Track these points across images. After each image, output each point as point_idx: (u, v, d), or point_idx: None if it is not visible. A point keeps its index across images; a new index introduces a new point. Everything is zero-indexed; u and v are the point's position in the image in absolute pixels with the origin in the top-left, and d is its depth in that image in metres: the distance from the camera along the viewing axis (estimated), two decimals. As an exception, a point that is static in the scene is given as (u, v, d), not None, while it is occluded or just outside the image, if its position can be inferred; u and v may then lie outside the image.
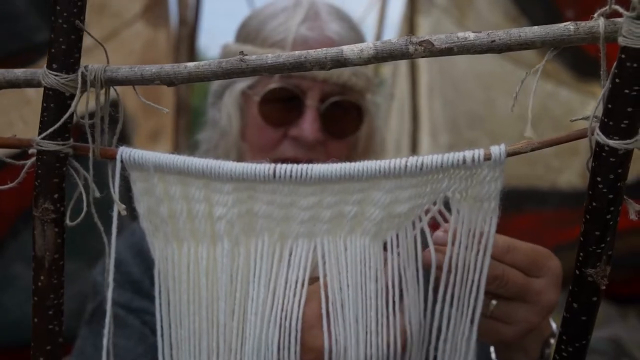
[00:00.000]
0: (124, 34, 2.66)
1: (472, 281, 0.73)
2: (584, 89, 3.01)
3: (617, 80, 0.56)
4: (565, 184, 3.19)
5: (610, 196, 0.61)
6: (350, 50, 0.63)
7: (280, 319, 0.71)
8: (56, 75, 0.67)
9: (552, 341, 0.90)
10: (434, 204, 0.72)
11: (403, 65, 3.38)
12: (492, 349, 0.94)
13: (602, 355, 2.97)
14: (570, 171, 3.15)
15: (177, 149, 3.01)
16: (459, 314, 0.74)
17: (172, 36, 3.00)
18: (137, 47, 2.74)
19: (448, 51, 0.61)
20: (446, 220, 0.73)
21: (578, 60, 2.84)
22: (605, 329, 3.09)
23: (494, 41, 0.60)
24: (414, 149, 3.38)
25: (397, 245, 0.72)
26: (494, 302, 0.80)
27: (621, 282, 2.95)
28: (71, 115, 0.68)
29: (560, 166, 3.15)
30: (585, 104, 3.03)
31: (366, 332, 0.71)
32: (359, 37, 1.27)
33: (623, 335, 3.13)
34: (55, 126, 0.66)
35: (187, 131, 3.11)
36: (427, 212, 0.72)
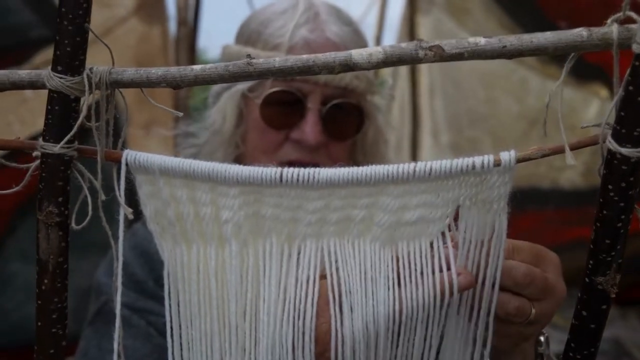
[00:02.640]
0: (118, 29, 2.65)
1: (489, 282, 0.72)
2: (586, 89, 3.01)
3: (630, 88, 0.56)
4: (567, 183, 3.19)
5: (622, 204, 0.60)
6: (359, 54, 0.63)
7: (294, 318, 0.71)
8: (61, 78, 0.66)
9: (542, 338, 0.90)
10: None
11: (404, 64, 3.37)
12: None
13: (602, 355, 2.97)
14: (572, 170, 3.15)
15: (176, 147, 3.01)
16: (470, 316, 0.74)
17: (167, 32, 2.99)
18: (131, 42, 2.74)
19: (459, 56, 0.60)
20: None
21: (576, 65, 2.83)
22: (606, 329, 3.08)
23: (505, 47, 0.59)
24: (414, 149, 3.37)
25: (408, 256, 0.71)
26: (533, 310, 0.80)
27: (624, 286, 2.95)
28: (76, 118, 0.67)
29: (563, 165, 3.14)
30: (588, 102, 3.03)
31: (377, 338, 0.71)
32: (359, 39, 1.27)
33: (623, 335, 3.13)
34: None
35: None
36: (443, 234, 0.72)
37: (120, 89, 0.69)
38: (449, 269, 0.72)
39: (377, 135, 1.31)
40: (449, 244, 0.72)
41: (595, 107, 2.98)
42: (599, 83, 2.94)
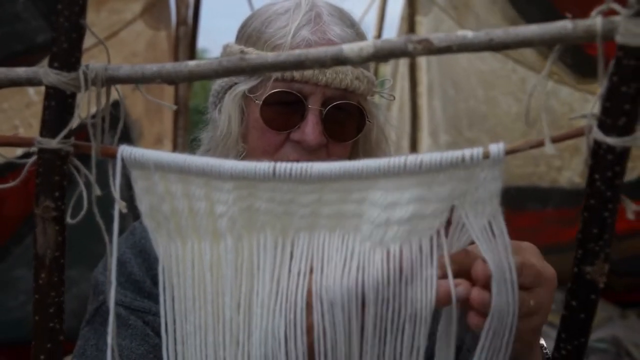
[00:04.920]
0: (124, 34, 2.67)
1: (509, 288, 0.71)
2: (584, 88, 3.02)
3: (614, 78, 0.57)
4: (567, 182, 3.20)
5: (608, 194, 0.61)
6: (350, 48, 0.63)
7: (286, 310, 0.72)
8: (57, 74, 0.67)
9: (544, 343, 0.91)
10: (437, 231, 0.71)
11: (403, 64, 3.38)
12: None
13: (602, 354, 2.97)
14: (571, 170, 3.16)
15: (176, 148, 3.03)
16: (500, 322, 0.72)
17: (173, 37, 3.01)
18: (138, 48, 2.75)
19: (447, 49, 0.61)
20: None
21: (578, 60, 2.85)
22: (605, 329, 3.09)
23: (492, 40, 0.60)
24: (414, 149, 3.38)
25: (400, 260, 0.70)
26: (532, 301, 0.80)
27: (625, 287, 2.95)
28: (73, 114, 0.69)
29: (562, 165, 3.15)
30: (586, 102, 3.04)
31: (361, 334, 0.71)
32: (361, 39, 1.27)
33: (623, 335, 3.14)
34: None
35: (186, 131, 3.12)
36: (438, 233, 0.71)
37: (118, 89, 0.71)
38: (443, 273, 0.71)
39: (379, 134, 1.31)
40: (445, 252, 0.71)
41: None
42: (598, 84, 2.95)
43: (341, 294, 0.70)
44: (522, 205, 3.14)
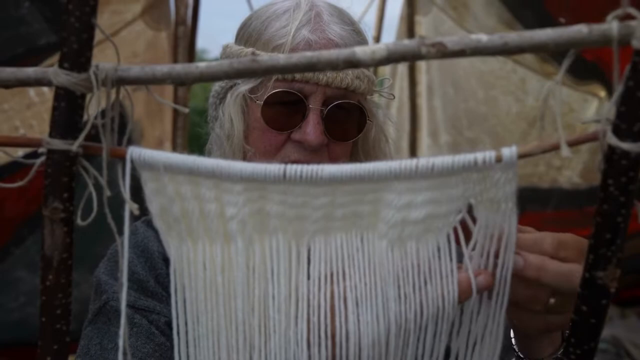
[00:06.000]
0: (124, 34, 2.67)
1: (498, 281, 0.72)
2: (583, 89, 3.03)
3: (630, 83, 0.57)
4: (567, 182, 3.21)
5: (622, 199, 0.61)
6: (362, 51, 0.63)
7: (308, 314, 0.71)
8: (67, 74, 0.67)
9: None
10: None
11: (402, 64, 3.38)
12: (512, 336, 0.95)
13: (602, 354, 2.98)
14: (571, 170, 3.16)
15: (175, 148, 3.03)
16: (485, 317, 0.74)
17: (173, 38, 3.01)
18: (138, 48, 2.75)
19: (460, 53, 0.61)
20: (467, 231, 0.73)
21: (575, 64, 2.85)
22: (605, 329, 3.09)
23: (506, 43, 0.60)
24: (413, 149, 3.38)
25: (417, 257, 0.71)
26: (552, 300, 0.81)
27: (624, 286, 2.96)
28: (82, 115, 0.68)
29: (562, 164, 3.16)
30: (585, 101, 3.04)
31: (387, 334, 0.71)
32: (361, 39, 1.27)
33: (622, 334, 3.14)
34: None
35: (185, 131, 3.12)
36: (455, 230, 0.72)
37: (128, 90, 0.70)
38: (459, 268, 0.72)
39: (379, 133, 1.31)
40: (462, 240, 0.72)
41: (594, 107, 2.99)
42: (597, 83, 2.97)
43: (370, 292, 0.70)
44: (522, 206, 3.15)
